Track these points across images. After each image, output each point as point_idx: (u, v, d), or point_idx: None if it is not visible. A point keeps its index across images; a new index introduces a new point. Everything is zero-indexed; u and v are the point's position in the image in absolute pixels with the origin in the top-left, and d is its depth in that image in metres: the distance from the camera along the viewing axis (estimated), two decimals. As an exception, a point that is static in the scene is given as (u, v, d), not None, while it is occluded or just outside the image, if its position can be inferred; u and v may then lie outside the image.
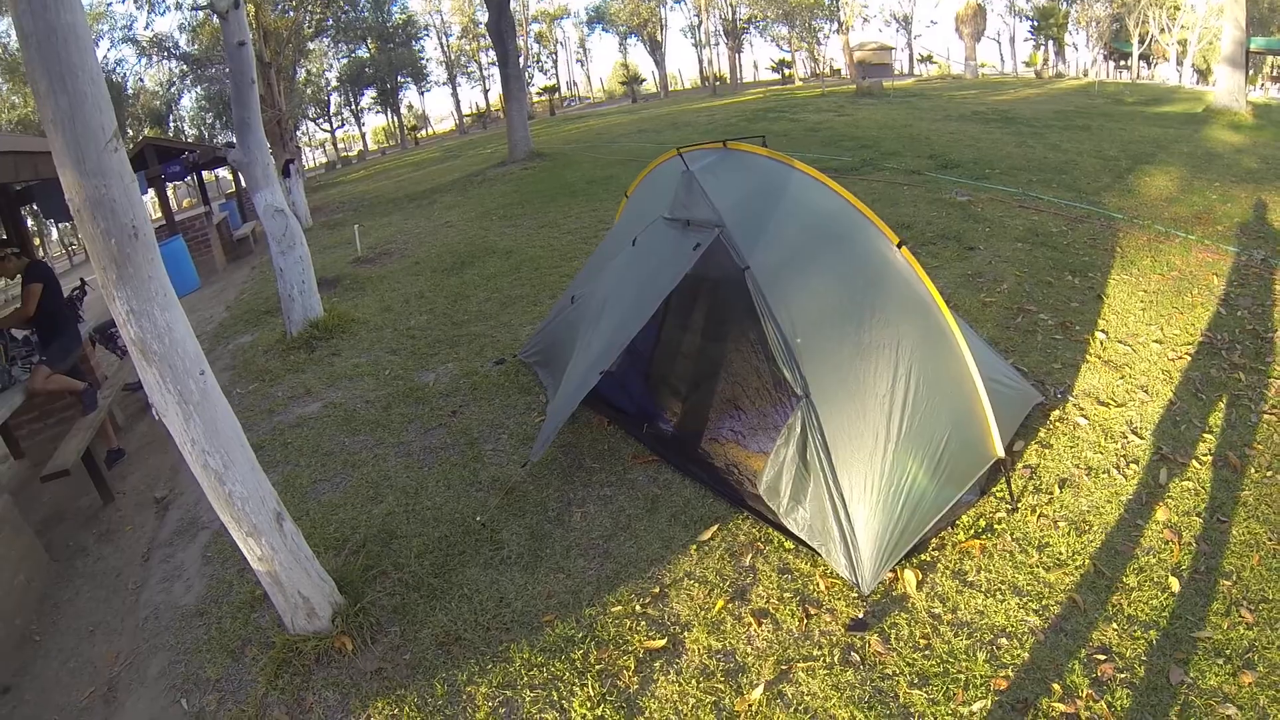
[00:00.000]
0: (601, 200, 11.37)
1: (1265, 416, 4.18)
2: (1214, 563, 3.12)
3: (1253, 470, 3.71)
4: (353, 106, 52.15)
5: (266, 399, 5.78)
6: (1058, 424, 4.13)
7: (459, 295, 7.57)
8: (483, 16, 52.33)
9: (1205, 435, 4.00)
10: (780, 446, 3.28)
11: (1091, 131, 14.85)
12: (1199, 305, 5.67)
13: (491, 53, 54.54)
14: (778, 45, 54.89)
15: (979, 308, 5.73)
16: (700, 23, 52.98)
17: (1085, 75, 44.40)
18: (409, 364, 5.91)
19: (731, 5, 50.15)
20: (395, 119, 55.06)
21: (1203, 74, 40.90)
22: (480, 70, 56.75)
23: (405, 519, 3.90)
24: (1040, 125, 15.85)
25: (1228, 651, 2.67)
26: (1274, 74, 42.03)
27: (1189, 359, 4.83)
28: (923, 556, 3.24)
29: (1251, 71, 37.66)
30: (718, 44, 54.45)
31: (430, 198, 15.46)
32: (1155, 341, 5.08)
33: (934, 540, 3.32)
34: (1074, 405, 4.32)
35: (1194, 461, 3.79)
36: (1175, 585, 3.00)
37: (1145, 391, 4.43)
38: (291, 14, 24.73)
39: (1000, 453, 3.41)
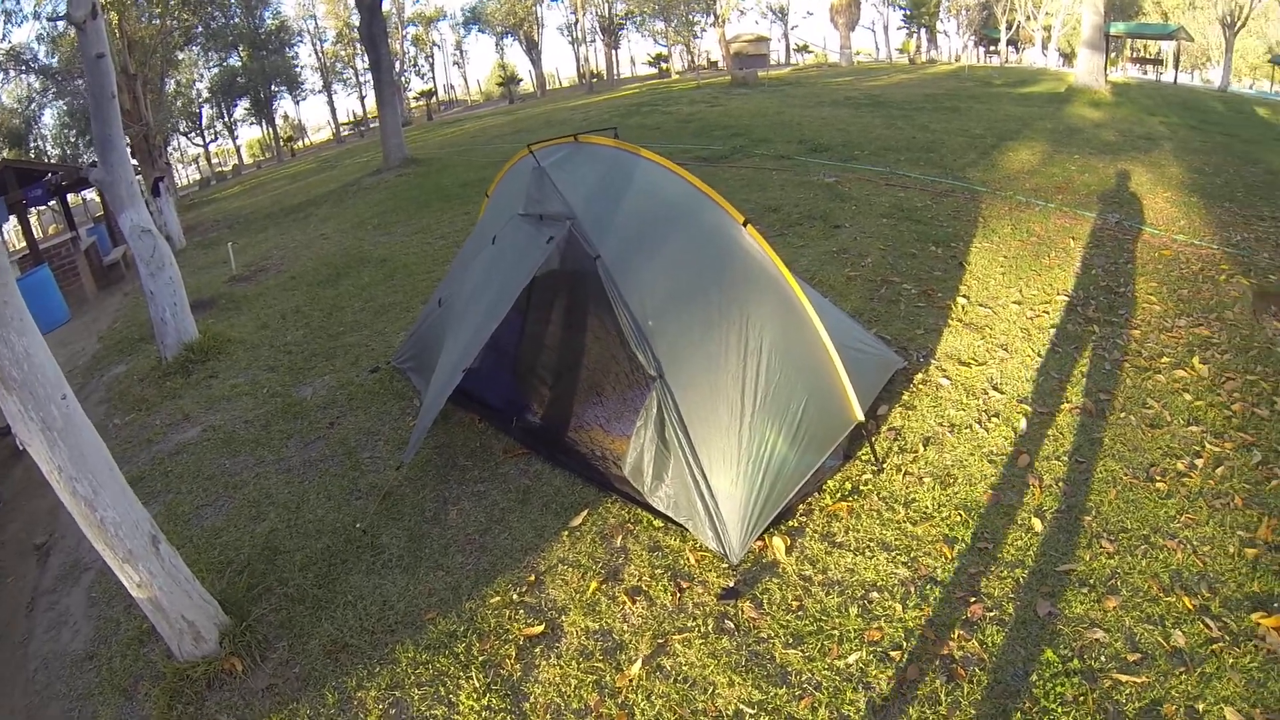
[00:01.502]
0: (474, 203, 11.53)
1: (1119, 364, 4.66)
2: (1075, 501, 3.50)
3: (1109, 414, 4.16)
4: (226, 119, 51.20)
5: (144, 429, 5.87)
6: (921, 386, 4.49)
7: (334, 307, 7.93)
8: (358, 21, 52.09)
9: (1064, 386, 4.43)
10: (640, 428, 3.53)
11: (960, 112, 16.07)
12: (1056, 267, 6.28)
13: (368, 58, 54.33)
14: (655, 40, 57.01)
15: (844, 282, 6.15)
16: (577, 20, 54.55)
17: (957, 60, 47.93)
18: (287, 380, 6.20)
19: (608, 2, 52.31)
20: (270, 130, 54.24)
21: (1067, 57, 45.20)
22: (356, 76, 56.71)
23: (288, 534, 4.06)
24: (910, 108, 17.00)
25: (1091, 580, 3.00)
26: (1133, 56, 46.66)
27: (1046, 316, 5.35)
28: (790, 523, 3.49)
29: (1113, 54, 41.80)
30: (594, 41, 56.58)
31: (306, 210, 15.92)
32: (1015, 303, 5.59)
33: (801, 506, 3.58)
34: (936, 367, 4.70)
35: (1052, 410, 4.19)
36: (1039, 526, 3.35)
37: (1005, 350, 4.88)
38: (157, 21, 23.91)
39: (860, 417, 3.73)
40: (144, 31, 22.70)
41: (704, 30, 52.99)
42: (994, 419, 4.13)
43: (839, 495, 3.64)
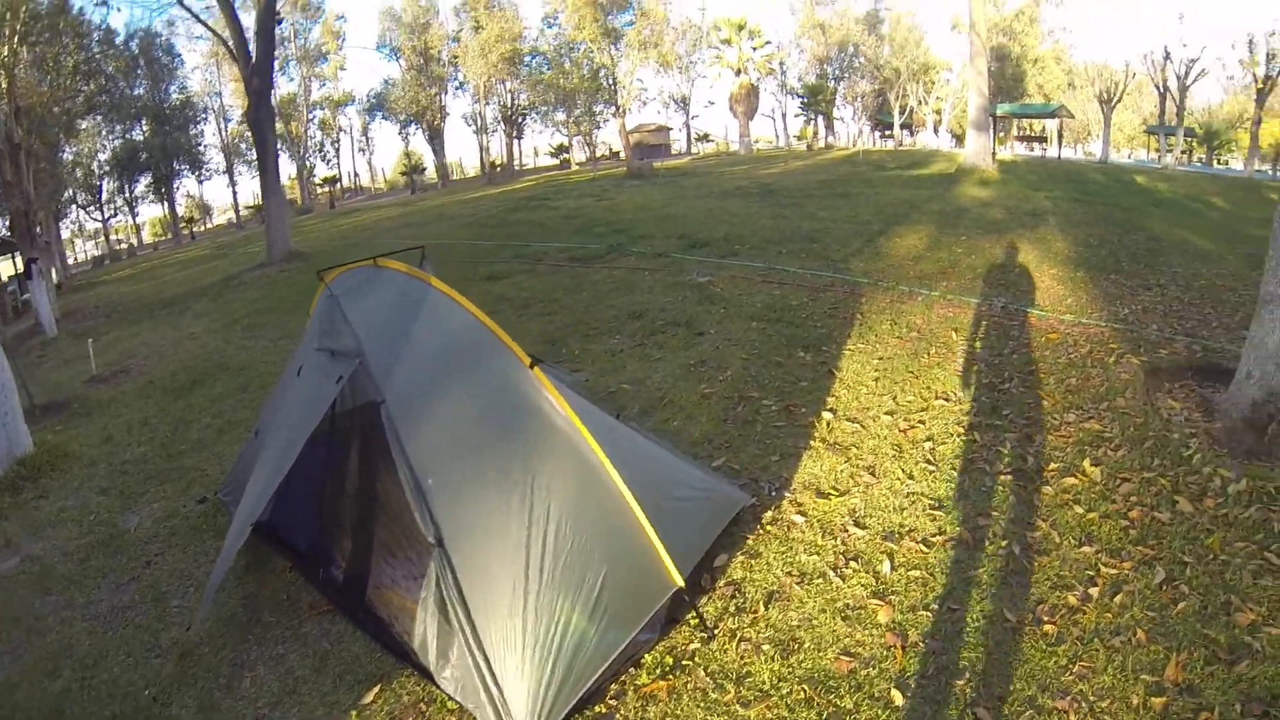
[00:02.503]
0: None
1: (1000, 478, 4.36)
2: (946, 661, 3.06)
3: (987, 543, 3.78)
4: (126, 194, 51.14)
5: (-41, 555, 5.48)
6: (770, 527, 4.04)
7: (182, 421, 7.74)
8: (274, 99, 52.86)
9: (935, 512, 4.06)
10: (424, 598, 3.34)
11: (850, 198, 16.49)
12: (936, 366, 6.03)
13: (254, 144, 55.22)
14: (557, 130, 58.93)
15: (697, 401, 5.76)
16: (479, 110, 56.09)
17: (853, 145, 50.43)
18: (116, 505, 5.94)
19: (510, 92, 54.26)
20: (170, 210, 54.39)
21: (958, 138, 48.15)
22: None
23: (80, 696, 3.75)
24: (801, 196, 17.40)
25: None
26: (1020, 135, 50.16)
27: (922, 427, 5.03)
28: (598, 707, 3.09)
29: (1001, 134, 44.70)
30: (497, 131, 58.17)
31: (184, 303, 15.71)
32: (887, 413, 5.27)
33: (614, 686, 3.16)
34: (791, 501, 4.27)
35: (921, 545, 3.80)
36: (899, 699, 2.90)
37: (871, 473, 4.50)
38: (47, 87, 23.73)
39: (679, 582, 3.32)
40: (35, 98, 22.45)
41: (606, 120, 54.94)
42: (853, 563, 3.69)
43: (658, 672, 3.18)
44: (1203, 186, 23.17)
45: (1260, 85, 33.63)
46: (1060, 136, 44.42)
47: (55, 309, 16.33)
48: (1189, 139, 45.49)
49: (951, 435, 4.88)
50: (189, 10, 21.11)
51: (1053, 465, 4.46)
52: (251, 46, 17.61)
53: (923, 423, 5.07)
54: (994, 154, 23.47)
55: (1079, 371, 5.83)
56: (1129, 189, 20.22)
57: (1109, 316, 7.35)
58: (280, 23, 19.99)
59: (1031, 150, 46.61)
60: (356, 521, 4.39)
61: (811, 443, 4.90)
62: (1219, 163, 60.76)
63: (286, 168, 59.41)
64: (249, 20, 18.00)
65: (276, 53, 52.29)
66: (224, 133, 54.84)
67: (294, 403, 4.21)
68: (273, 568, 4.56)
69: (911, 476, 4.42)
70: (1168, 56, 35.12)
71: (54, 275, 23.69)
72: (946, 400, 5.38)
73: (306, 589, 4.33)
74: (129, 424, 7.91)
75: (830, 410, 5.37)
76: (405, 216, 25.39)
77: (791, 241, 11.41)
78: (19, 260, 21.45)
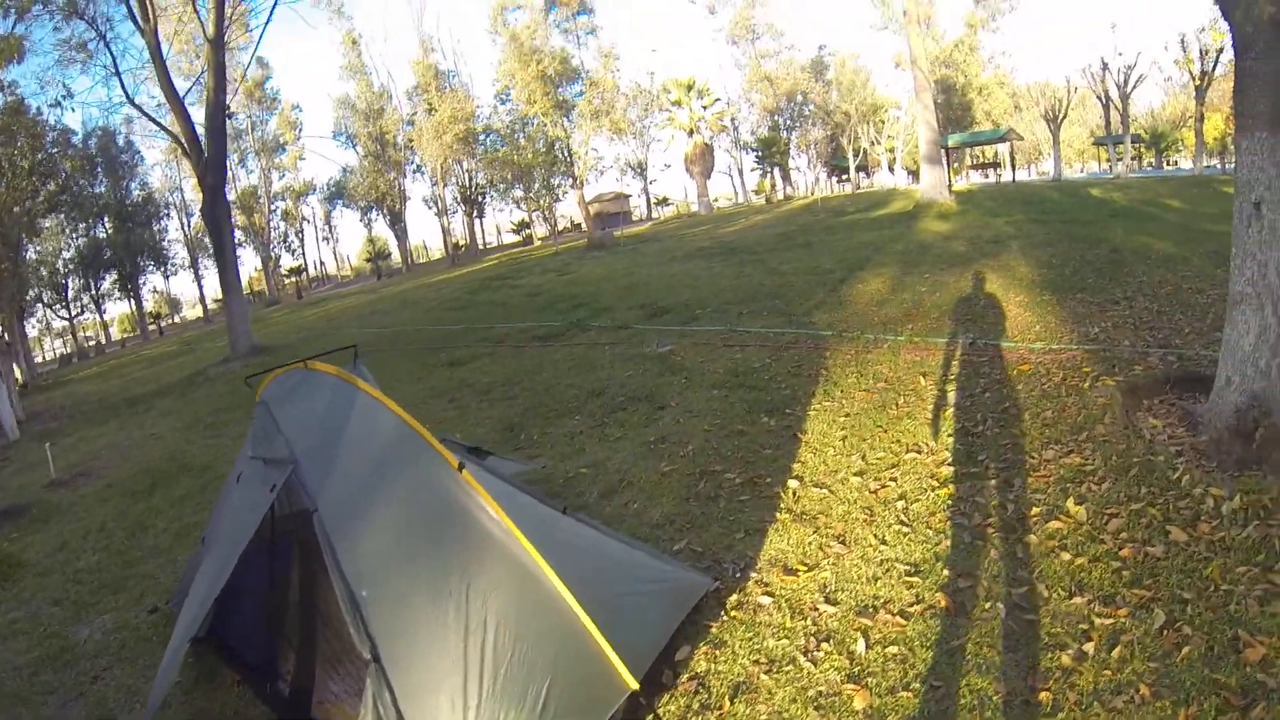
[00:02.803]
0: None
1: (980, 532, 4.15)
2: None
3: (971, 608, 3.56)
4: (93, 291, 51.91)
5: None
6: (735, 612, 3.81)
7: (140, 525, 7.65)
8: (233, 192, 54.30)
9: (912, 579, 3.84)
10: (363, 717, 3.16)
11: (811, 248, 16.57)
12: (905, 416, 5.86)
13: (239, 233, 57.34)
14: (517, 206, 59.87)
15: (657, 480, 5.55)
16: (437, 192, 57.07)
17: (811, 193, 51.18)
18: (69, 616, 5.85)
19: (468, 172, 55.13)
20: (137, 306, 55.18)
21: (914, 174, 48.98)
22: None
23: None
24: (763, 251, 17.47)
25: None
26: (973, 163, 51.20)
27: (894, 485, 4.84)
28: None
29: (954, 164, 45.58)
30: (457, 212, 59.20)
31: (150, 402, 15.82)
32: (856, 474, 5.07)
33: None
34: (757, 581, 4.04)
35: (899, 617, 3.57)
36: None
37: (841, 542, 4.28)
38: (4, 188, 24.33)
39: (633, 684, 3.13)
40: (-7, 197, 22.69)
41: (566, 193, 55.77)
42: (825, 644, 3.45)
43: (615, 784, 2.92)
44: (1156, 190, 23.59)
45: (1199, 82, 34.51)
46: (1013, 160, 45.31)
47: (19, 410, 16.46)
48: (1137, 145, 46.53)
49: (925, 491, 4.68)
50: (140, 109, 21.49)
51: (1035, 510, 4.26)
52: (204, 142, 17.84)
53: (894, 480, 4.88)
54: (950, 185, 23.81)
55: (1054, 402, 5.69)
56: (1085, 203, 20.46)
57: (1079, 338, 7.28)
58: (232, 117, 20.28)
59: (986, 177, 47.60)
60: (301, 633, 4.32)
61: (778, 515, 4.68)
62: (1169, 164, 62.50)
63: (251, 260, 60.84)
64: (201, 116, 18.24)
65: (235, 146, 54.26)
66: (187, 227, 55.87)
67: (232, 512, 4.18)
68: (222, 681, 4.44)
69: (885, 541, 4.21)
70: (1105, 67, 36.03)
71: (18, 375, 23.68)
72: (918, 452, 5.20)
73: (255, 703, 4.20)
74: (86, 529, 7.89)
75: (796, 478, 5.17)
76: (371, 304, 25.54)
77: (754, 300, 11.35)
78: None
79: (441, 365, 10.88)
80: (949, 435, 5.40)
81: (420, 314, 18.23)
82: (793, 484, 5.08)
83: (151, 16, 17.47)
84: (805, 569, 4.06)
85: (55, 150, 32.81)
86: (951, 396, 6.12)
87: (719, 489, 5.23)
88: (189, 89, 20.35)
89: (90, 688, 4.79)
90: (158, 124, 21.97)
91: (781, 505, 4.80)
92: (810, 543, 4.31)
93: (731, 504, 4.96)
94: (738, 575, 4.12)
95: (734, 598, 3.92)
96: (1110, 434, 5.00)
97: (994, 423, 5.52)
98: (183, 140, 17.98)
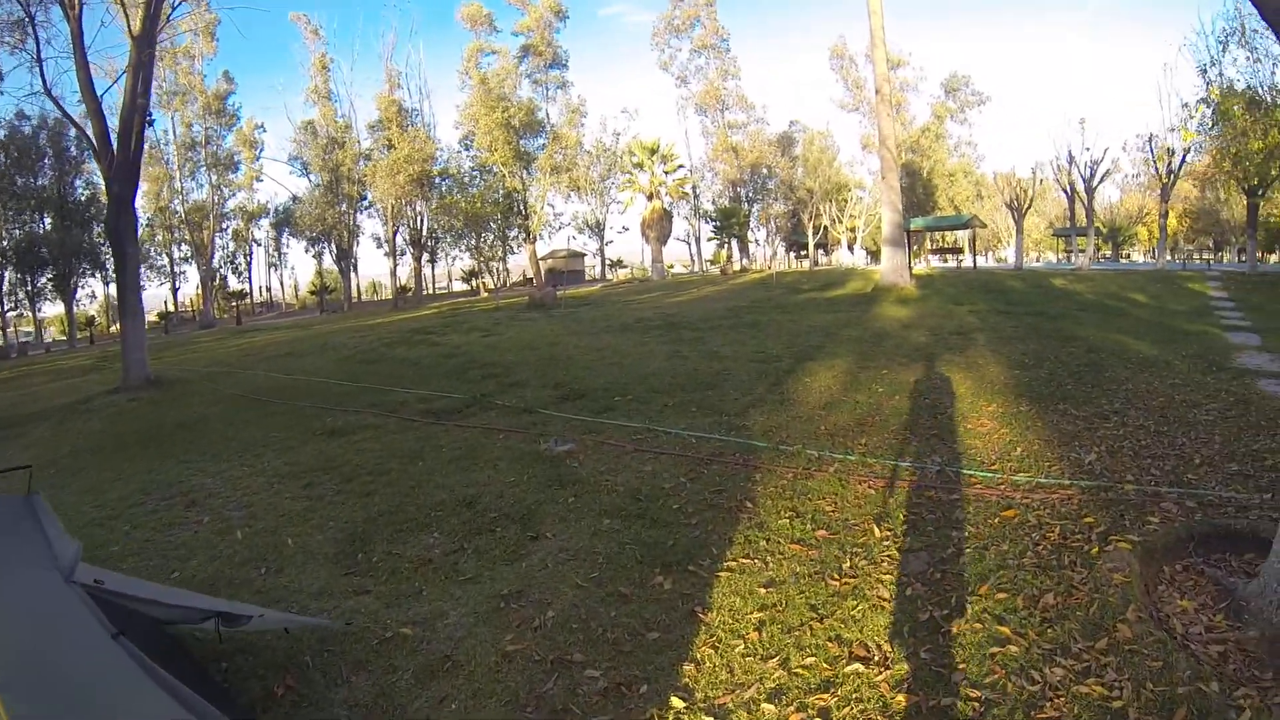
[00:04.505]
0: (171, 456, 9.41)
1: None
2: None
3: None
4: (29, 288, 50.39)
5: None
6: None
7: None
8: (181, 205, 52.81)
9: None
10: None
11: (759, 328, 15.21)
12: (850, 594, 4.15)
13: (185, 246, 57.27)
14: (469, 254, 59.52)
15: (493, 667, 3.69)
16: (389, 232, 55.88)
17: (768, 267, 50.45)
18: None
19: (419, 215, 54.51)
20: (67, 310, 53.63)
21: (874, 254, 48.72)
22: (171, 265, 58.16)
23: None
24: (705, 328, 16.04)
25: None
26: (934, 247, 51.28)
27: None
28: None
29: (916, 248, 45.23)
30: (405, 254, 58.05)
31: (25, 427, 14.05)
32: (770, 696, 3.30)
33: None
34: None
35: None
36: None
37: None
38: None
39: None
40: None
41: (519, 244, 54.92)
42: None
43: None
44: (1120, 284, 23.08)
45: (1164, 180, 34.68)
46: (974, 246, 45.10)
47: None
48: (1095, 238, 46.85)
49: (874, 731, 2.99)
50: (55, 101, 19.36)
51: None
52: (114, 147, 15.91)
53: (826, 712, 3.17)
54: (911, 269, 22.84)
55: (1054, 577, 4.09)
56: (1050, 294, 19.63)
57: (1072, 468, 5.83)
58: (151, 125, 18.44)
59: (946, 261, 47.36)
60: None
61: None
62: (1124, 258, 63.86)
63: (192, 277, 60.18)
64: (116, 122, 16.22)
65: (186, 157, 52.06)
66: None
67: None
68: None
69: None
70: (1072, 160, 36.08)
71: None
72: (864, 661, 3.45)
73: None
74: None
75: (682, 693, 3.36)
76: (292, 344, 23.74)
77: (684, 390, 9.67)
78: None
79: (320, 434, 9.09)
80: (910, 629, 3.73)
81: (331, 363, 16.50)
82: (676, 703, 3.31)
83: (76, 1, 15.80)
84: None
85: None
86: (915, 562, 4.48)
87: (571, 695, 3.43)
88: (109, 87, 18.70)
89: None
90: (70, 119, 20.40)
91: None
92: None
93: (581, 730, 3.16)
94: None
95: None
96: (1139, 634, 3.44)
97: (974, 614, 3.81)
98: (94, 141, 16.05)
